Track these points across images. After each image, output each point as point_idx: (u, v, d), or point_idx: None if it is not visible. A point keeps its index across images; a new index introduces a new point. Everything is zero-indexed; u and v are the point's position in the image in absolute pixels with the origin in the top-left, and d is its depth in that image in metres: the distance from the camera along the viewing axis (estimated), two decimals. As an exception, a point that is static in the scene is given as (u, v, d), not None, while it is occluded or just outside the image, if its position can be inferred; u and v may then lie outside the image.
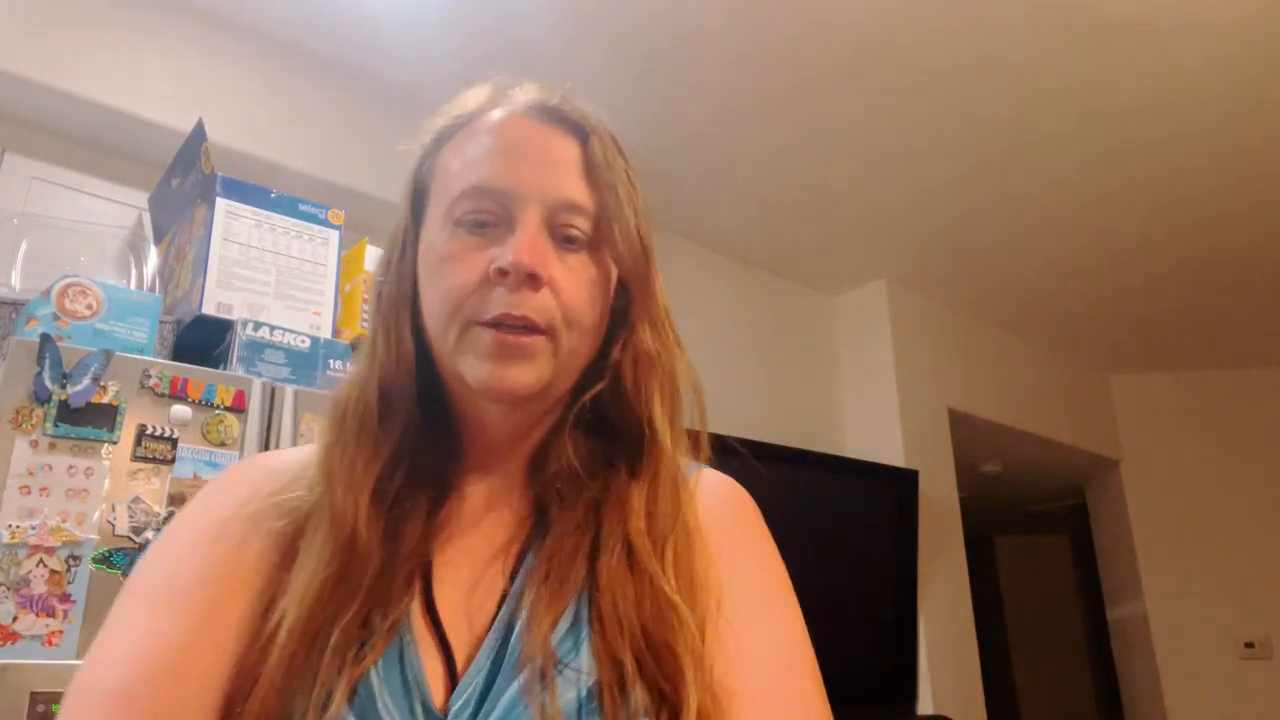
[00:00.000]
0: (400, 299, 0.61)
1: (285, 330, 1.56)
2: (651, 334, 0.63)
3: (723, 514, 0.63)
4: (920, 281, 3.60)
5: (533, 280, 0.56)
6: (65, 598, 1.18)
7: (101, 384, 1.29)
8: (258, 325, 1.54)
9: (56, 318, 1.35)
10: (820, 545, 2.95)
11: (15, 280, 1.59)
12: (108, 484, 1.26)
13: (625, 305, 0.63)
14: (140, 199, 1.95)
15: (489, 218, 0.58)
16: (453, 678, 0.53)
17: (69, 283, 1.39)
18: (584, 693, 0.51)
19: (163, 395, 1.33)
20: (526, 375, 0.57)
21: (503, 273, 0.56)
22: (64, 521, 1.21)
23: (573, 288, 0.58)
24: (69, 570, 1.20)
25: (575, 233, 0.59)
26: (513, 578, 0.58)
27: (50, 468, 1.22)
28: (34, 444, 1.22)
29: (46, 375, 1.24)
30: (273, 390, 1.45)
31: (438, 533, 0.60)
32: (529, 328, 0.56)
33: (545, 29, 2.24)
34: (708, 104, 2.55)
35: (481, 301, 0.57)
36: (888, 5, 2.17)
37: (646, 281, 0.63)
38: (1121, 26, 2.22)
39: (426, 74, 2.35)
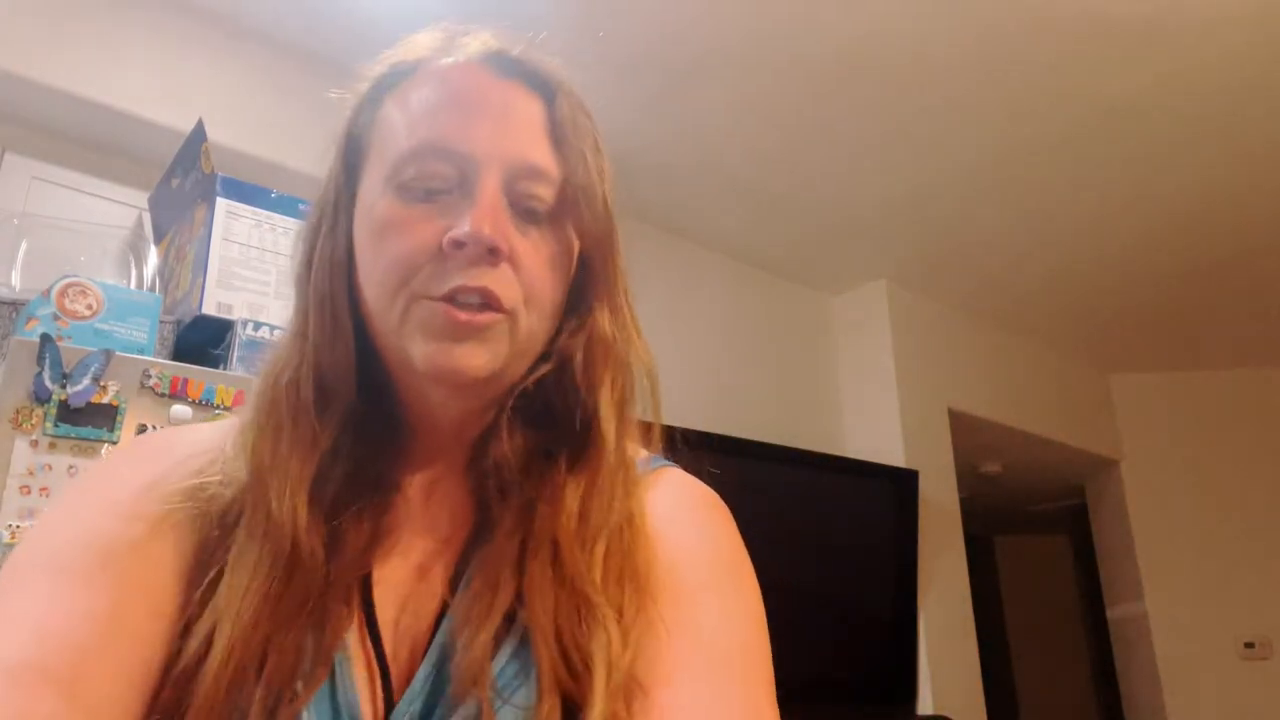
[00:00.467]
0: (335, 269, 0.54)
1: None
2: (609, 317, 0.57)
3: (680, 514, 0.58)
4: (920, 281, 3.60)
5: (493, 255, 0.50)
6: (65, 598, 1.18)
7: (101, 384, 1.28)
8: (258, 325, 1.54)
9: (56, 318, 1.35)
10: (820, 545, 2.95)
11: (15, 280, 1.59)
12: (108, 484, 1.26)
13: (582, 283, 0.57)
14: (140, 199, 1.94)
15: (441, 182, 0.52)
16: (390, 703, 0.49)
17: (69, 283, 1.39)
18: None
19: (163, 395, 1.33)
20: (478, 357, 0.51)
21: (458, 244, 0.50)
22: (64, 521, 1.21)
23: (534, 264, 0.53)
24: (69, 570, 1.19)
25: (537, 204, 0.54)
26: (454, 586, 0.53)
27: (50, 468, 1.22)
28: (34, 444, 1.22)
29: (46, 375, 1.24)
30: (273, 390, 1.45)
31: (381, 538, 0.54)
32: (486, 303, 0.51)
33: (545, 29, 2.23)
34: (708, 103, 2.55)
35: (433, 275, 0.51)
36: (889, 4, 2.17)
37: (609, 259, 0.57)
38: (1122, 26, 2.22)
39: (426, 74, 2.35)
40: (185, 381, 1.36)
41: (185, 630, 0.48)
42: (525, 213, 0.53)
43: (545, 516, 0.53)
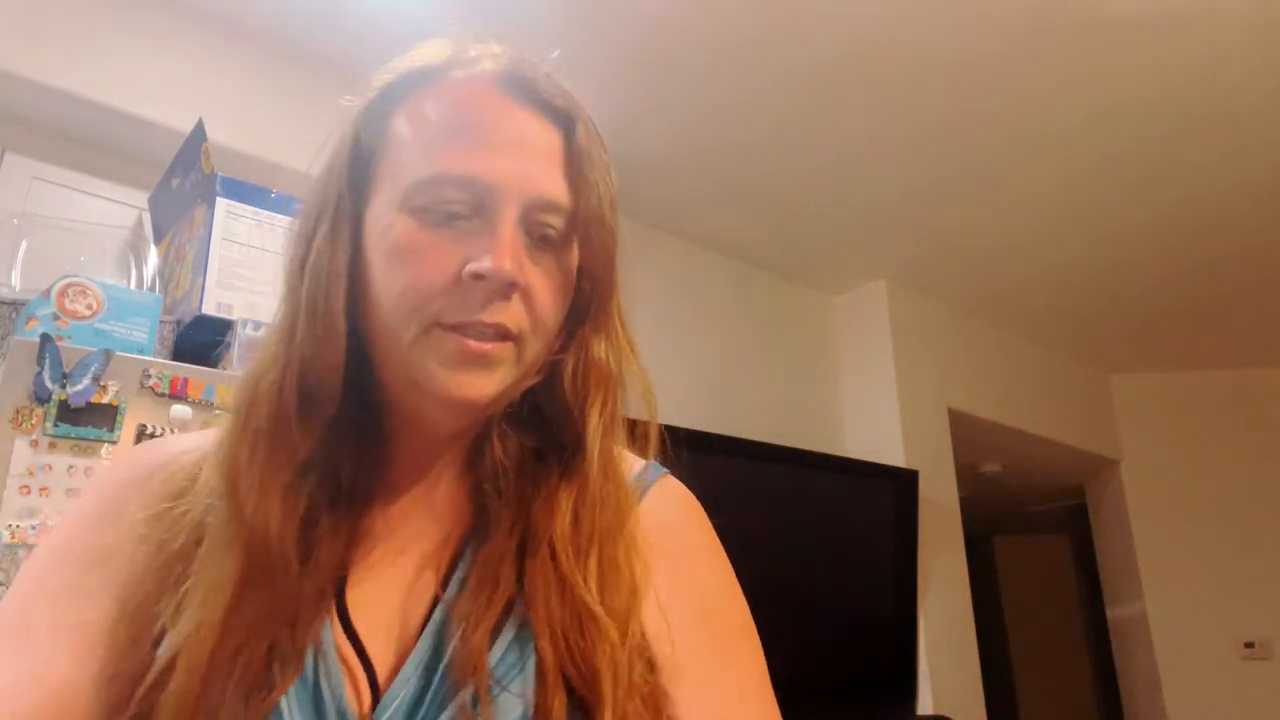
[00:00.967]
0: (333, 278, 0.54)
1: (285, 330, 1.55)
2: (605, 340, 0.59)
3: (668, 523, 0.61)
4: (920, 281, 3.60)
5: (511, 288, 0.52)
6: (65, 598, 1.18)
7: (101, 384, 1.28)
8: (258, 325, 1.54)
9: (56, 318, 1.35)
10: (820, 545, 2.95)
11: (15, 280, 1.59)
12: (108, 484, 1.26)
13: (578, 302, 0.58)
14: (140, 199, 1.94)
15: (460, 207, 0.53)
16: (376, 691, 0.50)
17: (69, 283, 1.39)
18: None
19: (163, 395, 1.33)
20: (487, 386, 0.53)
21: (479, 277, 0.51)
22: (64, 521, 1.21)
23: (544, 292, 0.54)
24: (69, 570, 1.19)
25: (550, 232, 0.55)
26: (446, 581, 0.55)
27: (50, 467, 1.22)
28: (34, 444, 1.22)
29: (46, 375, 1.24)
30: (273, 390, 1.45)
31: (360, 540, 0.56)
32: (500, 335, 0.52)
33: (545, 29, 2.24)
34: (707, 103, 2.55)
35: (450, 304, 0.52)
36: (889, 4, 2.17)
37: (609, 284, 0.59)
38: (1122, 26, 2.22)
39: (426, 74, 2.35)
40: (185, 381, 1.36)
41: (159, 639, 0.49)
42: (538, 240, 0.55)
43: (542, 515, 0.55)
